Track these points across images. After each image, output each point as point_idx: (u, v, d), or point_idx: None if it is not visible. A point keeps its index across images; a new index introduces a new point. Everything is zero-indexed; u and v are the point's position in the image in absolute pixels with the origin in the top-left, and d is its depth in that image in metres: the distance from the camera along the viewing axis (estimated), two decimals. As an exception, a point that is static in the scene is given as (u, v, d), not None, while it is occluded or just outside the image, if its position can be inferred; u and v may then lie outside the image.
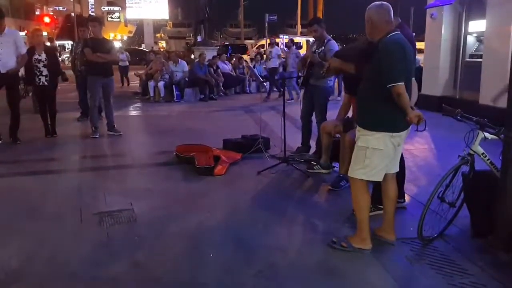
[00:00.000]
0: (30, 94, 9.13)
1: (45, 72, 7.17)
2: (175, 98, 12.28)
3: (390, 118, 3.17)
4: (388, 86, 3.03)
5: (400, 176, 3.89)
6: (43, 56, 7.16)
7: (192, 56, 16.39)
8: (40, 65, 7.14)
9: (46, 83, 7.22)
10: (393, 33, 3.17)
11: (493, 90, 7.90)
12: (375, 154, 3.21)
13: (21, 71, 9.08)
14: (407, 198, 4.32)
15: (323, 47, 5.67)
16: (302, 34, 31.83)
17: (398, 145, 3.29)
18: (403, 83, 3.02)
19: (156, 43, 50.39)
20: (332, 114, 5.88)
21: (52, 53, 7.45)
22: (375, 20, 3.22)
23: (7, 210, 4.25)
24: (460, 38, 9.95)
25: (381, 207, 3.65)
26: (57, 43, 25.54)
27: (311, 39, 6.18)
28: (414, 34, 4.26)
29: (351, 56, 3.87)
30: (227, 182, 5.09)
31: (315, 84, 5.77)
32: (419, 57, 9.95)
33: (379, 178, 3.32)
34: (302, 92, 6.12)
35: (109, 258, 3.28)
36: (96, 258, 3.27)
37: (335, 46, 5.74)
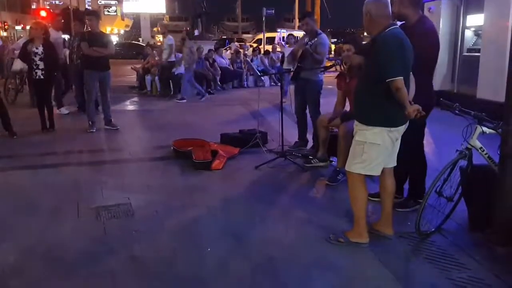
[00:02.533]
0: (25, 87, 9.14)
1: (41, 65, 7.11)
2: (172, 92, 12.23)
3: (388, 113, 3.17)
4: (386, 80, 3.02)
5: (403, 173, 3.93)
6: (40, 49, 7.09)
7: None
8: (36, 58, 7.08)
9: (42, 77, 7.16)
10: (392, 27, 3.14)
11: (490, 85, 7.91)
12: (373, 149, 3.20)
13: (20, 65, 9.08)
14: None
15: (314, 40, 5.70)
16: (300, 28, 31.68)
17: (396, 139, 3.29)
18: (402, 77, 3.01)
19: (153, 37, 50.18)
20: (327, 108, 5.87)
21: (50, 46, 7.38)
22: (374, 14, 3.19)
23: (4, 204, 4.23)
24: (458, 32, 9.94)
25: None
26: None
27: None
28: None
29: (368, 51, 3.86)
30: (225, 177, 5.08)
31: (306, 77, 5.77)
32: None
33: (376, 172, 3.32)
34: (293, 86, 6.11)
35: (106, 252, 3.27)
36: (93, 252, 3.27)
37: (326, 39, 5.83)
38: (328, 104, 5.87)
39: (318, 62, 5.67)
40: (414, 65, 3.22)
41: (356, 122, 3.35)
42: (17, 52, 8.40)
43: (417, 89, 3.37)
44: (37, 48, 7.08)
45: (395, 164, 3.46)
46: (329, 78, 5.15)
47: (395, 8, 3.72)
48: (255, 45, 23.81)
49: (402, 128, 3.27)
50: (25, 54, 7.11)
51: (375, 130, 3.18)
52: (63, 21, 9.54)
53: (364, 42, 5.17)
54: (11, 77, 10.38)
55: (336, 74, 5.62)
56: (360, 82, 3.40)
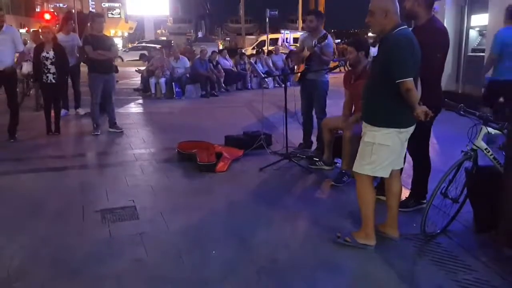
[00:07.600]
0: (32, 91, 9.15)
1: (52, 69, 7.14)
2: (175, 95, 12.24)
3: (398, 114, 3.14)
4: (397, 81, 3.00)
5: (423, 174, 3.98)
6: (51, 54, 7.12)
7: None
8: (48, 62, 7.11)
9: (53, 81, 7.19)
10: (402, 28, 3.12)
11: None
12: (382, 150, 3.18)
13: (28, 68, 9.09)
14: (407, 193, 4.25)
15: (324, 42, 5.67)
16: (304, 29, 31.64)
17: (406, 140, 3.27)
18: (412, 78, 3.00)
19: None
20: (334, 110, 5.87)
21: (60, 50, 7.40)
22: (392, 11, 3.10)
23: (9, 208, 4.24)
24: (463, 32, 9.91)
25: (423, 201, 3.87)
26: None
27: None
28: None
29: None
30: (229, 179, 5.08)
31: (313, 78, 5.77)
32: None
33: (385, 174, 3.29)
34: (298, 88, 6.10)
35: (111, 255, 3.28)
36: (98, 256, 3.27)
37: (331, 40, 5.81)
38: (334, 105, 5.86)
39: (325, 63, 5.75)
40: (424, 65, 3.20)
41: (364, 124, 3.32)
42: (30, 55, 8.44)
43: (428, 90, 3.36)
44: (47, 53, 7.12)
45: (402, 166, 3.44)
46: (333, 80, 5.15)
47: (407, 4, 3.70)
48: (254, 51, 21.89)
49: (411, 129, 3.25)
50: (38, 61, 7.14)
51: (386, 132, 3.16)
52: (73, 24, 9.55)
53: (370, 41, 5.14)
54: (19, 81, 10.40)
55: (340, 74, 5.62)
56: (368, 82, 3.36)
